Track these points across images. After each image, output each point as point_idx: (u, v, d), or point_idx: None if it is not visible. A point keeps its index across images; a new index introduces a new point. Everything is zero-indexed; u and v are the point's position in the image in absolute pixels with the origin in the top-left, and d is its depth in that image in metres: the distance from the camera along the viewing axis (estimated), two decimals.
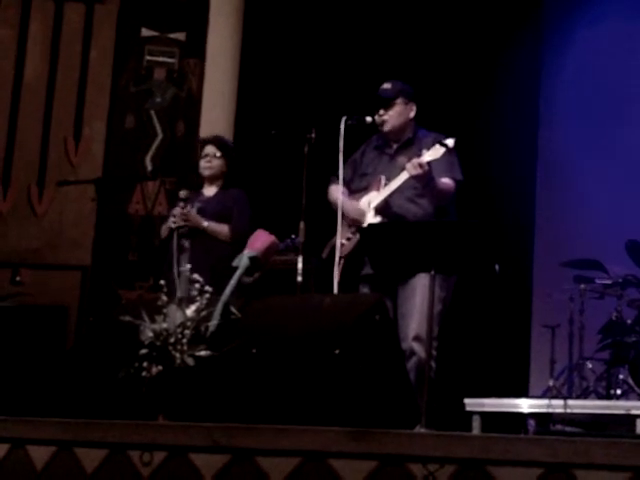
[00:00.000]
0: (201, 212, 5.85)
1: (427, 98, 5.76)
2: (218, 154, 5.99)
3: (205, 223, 5.80)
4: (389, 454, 3.35)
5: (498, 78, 8.03)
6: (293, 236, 6.33)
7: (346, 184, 5.46)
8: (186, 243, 5.72)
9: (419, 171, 5.10)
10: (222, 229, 5.84)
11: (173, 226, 5.74)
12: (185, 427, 3.73)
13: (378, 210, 5.31)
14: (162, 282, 4.27)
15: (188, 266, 4.52)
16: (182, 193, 5.84)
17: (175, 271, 5.33)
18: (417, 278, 5.11)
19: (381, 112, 5.45)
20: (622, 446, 3.11)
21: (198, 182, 6.11)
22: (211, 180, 6.02)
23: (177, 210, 5.79)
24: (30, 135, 7.81)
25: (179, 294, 4.22)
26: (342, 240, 5.29)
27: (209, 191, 6.02)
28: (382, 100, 5.46)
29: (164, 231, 5.93)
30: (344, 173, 5.36)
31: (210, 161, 5.99)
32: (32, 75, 7.87)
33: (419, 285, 5.10)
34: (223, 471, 3.55)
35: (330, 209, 5.49)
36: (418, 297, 5.11)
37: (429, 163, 5.14)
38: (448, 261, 4.45)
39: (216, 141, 6.09)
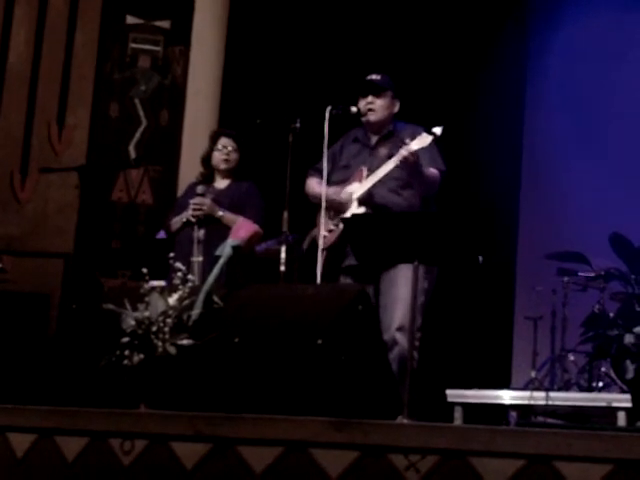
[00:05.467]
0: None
1: (413, 91, 5.75)
2: (236, 148, 6.00)
3: (220, 212, 5.82)
4: (371, 444, 3.35)
5: (484, 72, 8.03)
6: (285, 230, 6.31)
7: (325, 176, 5.43)
8: (200, 233, 5.73)
9: (410, 159, 5.09)
10: (237, 220, 5.82)
11: (193, 219, 5.75)
12: (166, 416, 3.73)
13: (361, 201, 5.29)
14: (144, 270, 4.25)
15: (200, 258, 4.52)
16: (199, 188, 5.87)
17: (194, 260, 5.54)
18: (399, 269, 5.10)
19: (370, 99, 5.43)
20: (603, 438, 3.12)
21: (206, 174, 6.08)
22: (225, 173, 6.01)
23: (193, 201, 5.83)
24: (13, 121, 7.77)
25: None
26: (324, 232, 5.28)
27: (221, 184, 6.02)
28: (373, 87, 5.44)
29: (176, 224, 5.92)
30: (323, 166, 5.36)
31: (229, 154, 5.99)
32: (16, 59, 7.81)
33: (401, 276, 5.09)
34: (204, 460, 3.55)
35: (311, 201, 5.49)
36: (401, 288, 5.10)
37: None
38: (431, 252, 4.44)
39: (234, 135, 6.08)
